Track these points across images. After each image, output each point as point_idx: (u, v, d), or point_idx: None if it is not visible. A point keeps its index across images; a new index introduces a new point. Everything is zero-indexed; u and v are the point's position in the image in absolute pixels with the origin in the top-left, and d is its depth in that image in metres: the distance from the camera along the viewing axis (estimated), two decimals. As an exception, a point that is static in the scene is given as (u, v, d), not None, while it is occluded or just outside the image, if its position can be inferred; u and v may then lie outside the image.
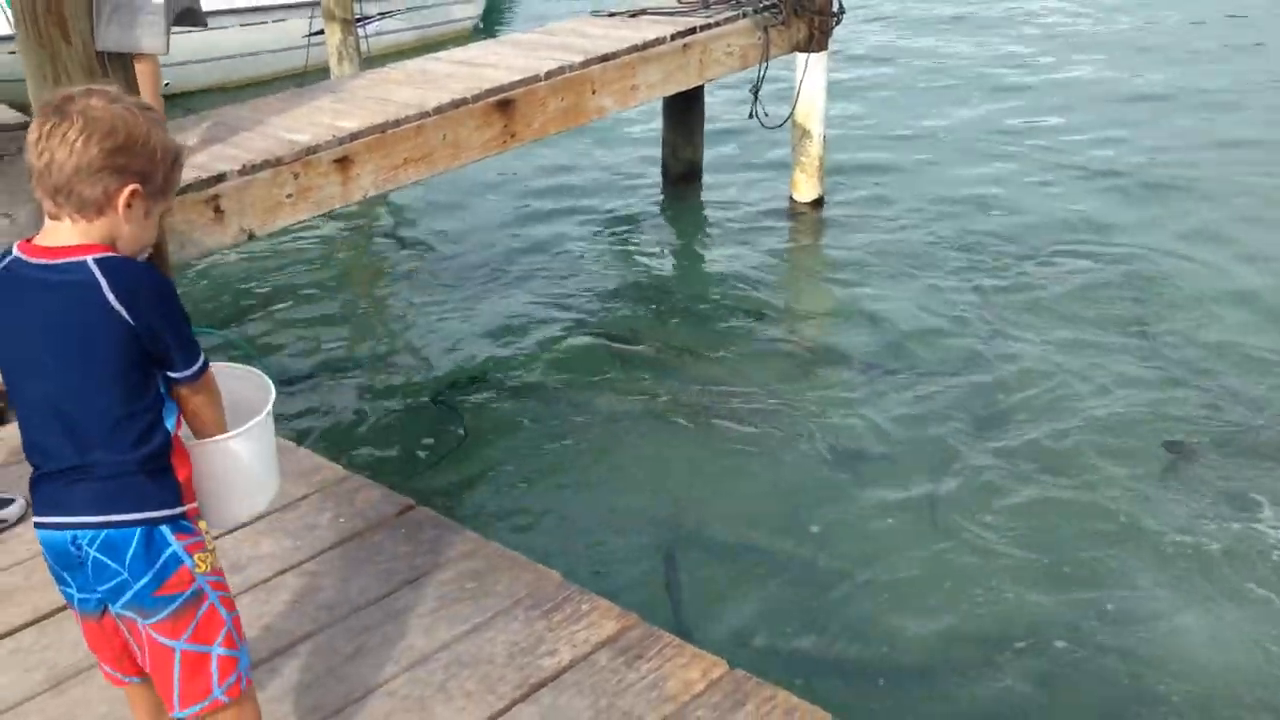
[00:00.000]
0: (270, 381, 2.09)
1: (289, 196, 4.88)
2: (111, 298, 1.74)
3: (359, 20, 10.14)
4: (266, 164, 4.67)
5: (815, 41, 7.00)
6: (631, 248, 7.15)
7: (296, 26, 10.48)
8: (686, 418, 4.99)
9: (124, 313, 1.74)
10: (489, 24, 13.02)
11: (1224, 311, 5.82)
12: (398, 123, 5.26)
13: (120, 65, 3.22)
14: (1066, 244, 6.71)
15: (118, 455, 1.79)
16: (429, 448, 4.78)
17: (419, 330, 6.01)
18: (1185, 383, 5.16)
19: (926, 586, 3.88)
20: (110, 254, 1.78)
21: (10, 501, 3.06)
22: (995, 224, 7.05)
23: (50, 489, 1.82)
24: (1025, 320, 5.81)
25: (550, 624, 2.59)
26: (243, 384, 2.07)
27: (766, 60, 6.78)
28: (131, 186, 1.78)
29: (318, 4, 10.07)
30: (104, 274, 1.74)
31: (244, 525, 2.78)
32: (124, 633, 1.91)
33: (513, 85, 5.68)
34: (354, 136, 5.11)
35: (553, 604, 2.65)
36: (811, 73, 7.06)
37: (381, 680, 2.43)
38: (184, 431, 1.91)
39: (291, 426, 4.83)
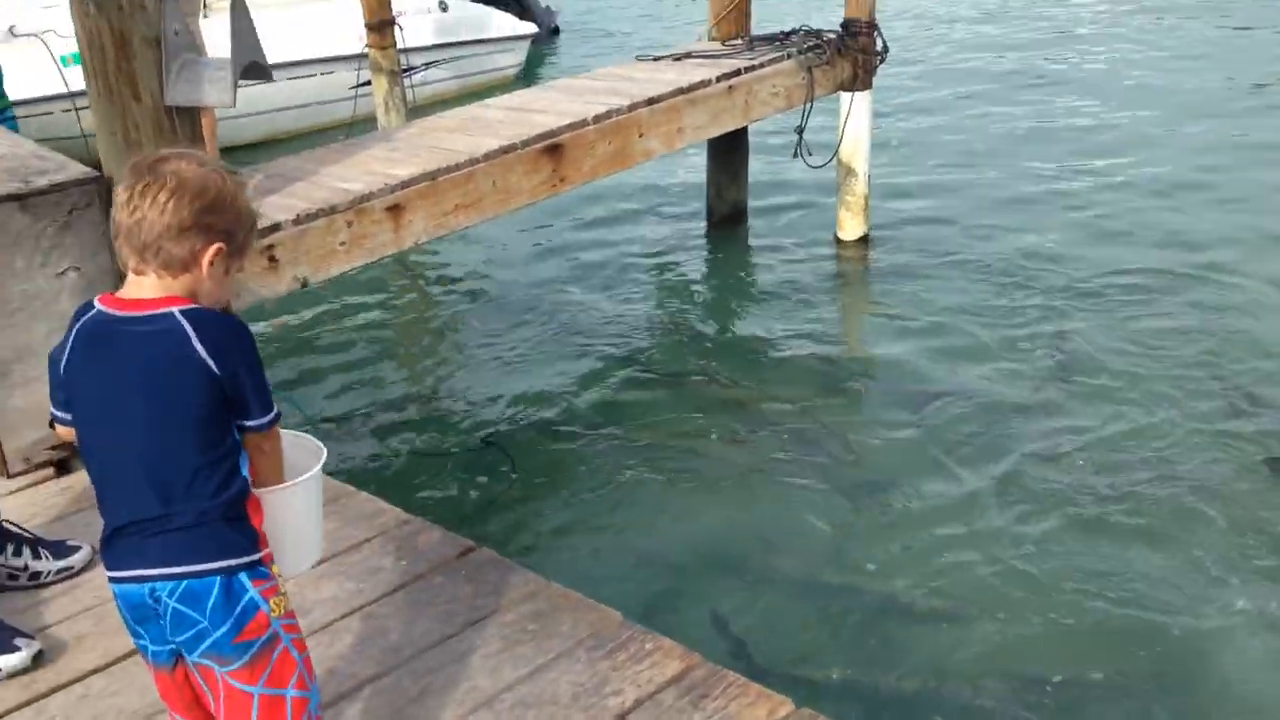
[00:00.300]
0: (322, 445, 2.14)
1: (342, 244, 4.95)
2: (199, 347, 1.79)
3: (404, 71, 10.31)
4: (321, 213, 4.74)
5: (859, 80, 7.03)
6: (678, 288, 7.17)
7: (344, 78, 10.67)
8: (736, 454, 4.99)
9: (210, 362, 1.79)
10: (530, 73, 13.19)
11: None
12: (448, 169, 5.33)
13: (188, 119, 3.30)
14: (1120, 284, 6.63)
15: (198, 504, 1.82)
16: (482, 487, 4.81)
17: (468, 372, 6.06)
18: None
19: (988, 622, 3.84)
20: (195, 305, 1.84)
21: (77, 549, 3.10)
22: (1044, 262, 6.99)
23: (128, 542, 1.85)
24: (1080, 354, 5.75)
25: (614, 664, 2.58)
26: (294, 449, 2.10)
27: (811, 100, 6.81)
28: (216, 245, 1.85)
29: (364, 56, 10.26)
30: (191, 324, 1.80)
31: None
32: (198, 681, 1.93)
33: (561, 130, 5.74)
34: (405, 184, 5.18)
35: (616, 643, 2.65)
36: (856, 111, 7.08)
37: (447, 722, 2.44)
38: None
39: (348, 471, 4.87)
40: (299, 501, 2.00)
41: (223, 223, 1.86)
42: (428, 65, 11.76)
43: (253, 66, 3.35)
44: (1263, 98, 10.53)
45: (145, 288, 1.84)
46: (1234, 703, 3.48)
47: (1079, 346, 5.86)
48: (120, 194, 1.83)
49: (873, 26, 6.98)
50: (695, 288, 7.20)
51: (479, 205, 5.54)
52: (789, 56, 6.80)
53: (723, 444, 5.07)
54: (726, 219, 7.98)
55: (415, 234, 5.30)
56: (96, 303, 1.86)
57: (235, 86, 3.20)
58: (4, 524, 3.03)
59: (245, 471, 1.90)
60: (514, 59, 13.08)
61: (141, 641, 1.93)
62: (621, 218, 8.38)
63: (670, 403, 5.53)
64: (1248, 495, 4.44)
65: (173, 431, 1.81)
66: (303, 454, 2.11)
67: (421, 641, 2.69)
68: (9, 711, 2.54)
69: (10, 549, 3.00)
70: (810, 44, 6.86)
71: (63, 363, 1.87)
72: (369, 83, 10.39)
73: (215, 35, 3.57)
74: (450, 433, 5.37)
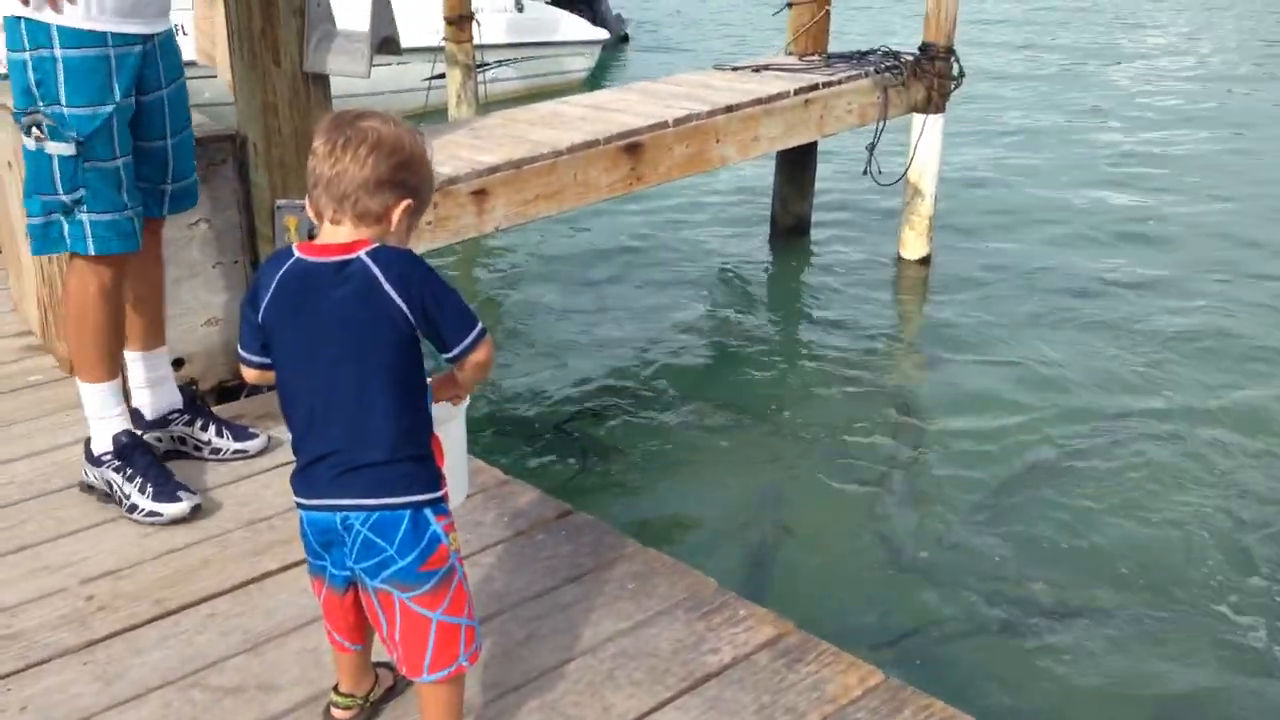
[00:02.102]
0: None
1: (428, 224, 5.11)
2: (386, 286, 1.89)
3: (479, 67, 10.52)
4: (411, 192, 4.90)
5: (933, 104, 7.16)
6: (736, 297, 7.31)
7: (418, 70, 10.88)
8: (792, 458, 5.16)
9: (399, 300, 1.90)
10: (599, 78, 13.38)
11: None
12: (532, 159, 5.50)
13: (322, 87, 3.47)
14: (1183, 318, 6.72)
15: (391, 440, 1.95)
16: (559, 469, 4.97)
17: (538, 365, 6.21)
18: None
19: (1074, 606, 4.03)
20: (379, 245, 1.94)
21: (255, 435, 3.41)
22: (1105, 292, 7.10)
23: (323, 472, 1.97)
24: (1138, 387, 5.85)
25: (710, 625, 2.71)
26: None
27: (884, 119, 6.95)
28: (407, 201, 1.95)
29: (440, 49, 10.47)
30: (377, 264, 1.91)
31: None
32: (371, 604, 2.05)
33: (642, 130, 5.90)
34: (491, 170, 5.36)
35: (711, 607, 2.77)
36: (928, 133, 7.21)
37: (553, 664, 2.57)
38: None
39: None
40: (457, 436, 2.14)
41: (414, 180, 1.95)
42: (500, 63, 11.97)
43: (387, 40, 3.52)
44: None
45: (340, 235, 1.93)
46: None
47: (1139, 379, 5.95)
48: (320, 146, 1.91)
49: (950, 51, 7.11)
50: (756, 298, 7.34)
51: (558, 196, 5.70)
52: (866, 75, 6.93)
53: (777, 453, 5.23)
54: (790, 231, 8.12)
55: (496, 219, 5.46)
56: (295, 250, 1.97)
57: (371, 58, 3.37)
58: (196, 400, 3.36)
59: (432, 411, 2.03)
60: (584, 63, 13.28)
61: (320, 563, 2.07)
62: (690, 222, 8.55)
63: (724, 408, 5.66)
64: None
65: (369, 370, 1.92)
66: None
67: (526, 591, 2.82)
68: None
69: (199, 423, 3.33)
70: (887, 64, 7.00)
71: (261, 308, 1.98)
72: (442, 75, 10.60)
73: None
74: (521, 423, 5.52)
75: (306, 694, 2.45)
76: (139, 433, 3.19)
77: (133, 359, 3.30)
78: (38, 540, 3.00)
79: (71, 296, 3.02)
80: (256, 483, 3.28)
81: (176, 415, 3.34)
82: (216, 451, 3.33)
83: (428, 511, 1.99)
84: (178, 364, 3.65)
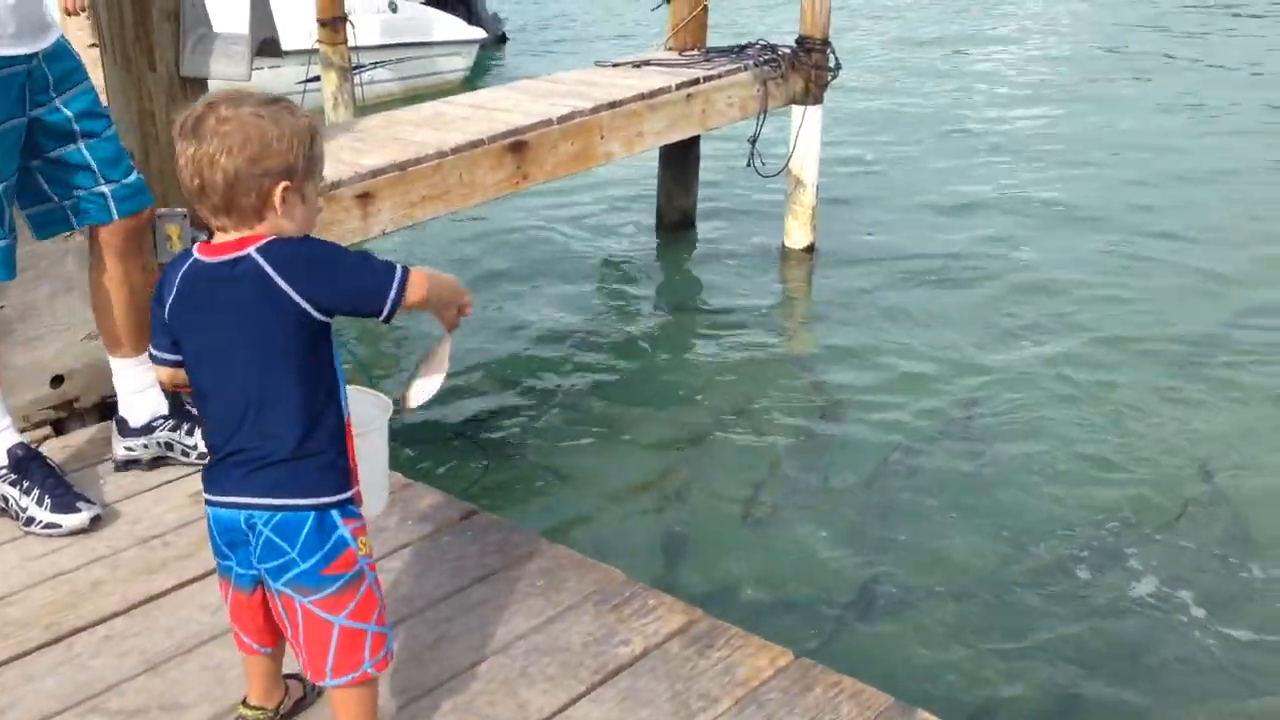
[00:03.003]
0: (389, 400, 2.27)
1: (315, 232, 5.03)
2: (279, 280, 1.85)
3: (354, 69, 10.36)
4: (293, 197, 4.82)
5: (811, 95, 7.30)
6: (626, 291, 7.38)
7: (291, 73, 10.66)
8: (687, 446, 5.25)
9: (292, 294, 1.86)
10: (477, 78, 13.29)
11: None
12: (417, 161, 5.46)
13: (201, 91, 3.38)
14: (1055, 287, 7.00)
15: (295, 439, 1.91)
16: (458, 472, 4.94)
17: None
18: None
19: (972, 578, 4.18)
20: (269, 239, 1.88)
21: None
22: (984, 271, 7.34)
23: (229, 469, 1.94)
24: (1025, 359, 6.08)
25: (620, 617, 2.72)
26: (360, 403, 2.20)
27: (765, 112, 7.05)
28: (281, 185, 1.86)
29: (314, 51, 10.29)
30: (267, 259, 1.86)
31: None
32: (275, 607, 2.03)
33: (526, 128, 5.90)
34: (375, 173, 5.29)
35: (620, 599, 2.79)
36: (807, 124, 7.34)
37: (465, 665, 2.55)
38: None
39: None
40: (378, 447, 2.11)
41: (277, 162, 1.85)
42: (375, 65, 11.80)
43: (267, 42, 3.45)
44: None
45: (230, 234, 1.90)
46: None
47: (1022, 353, 6.16)
48: (178, 160, 1.86)
49: (826, 43, 7.25)
50: (643, 292, 7.39)
51: (445, 198, 5.66)
52: (745, 69, 7.03)
53: (664, 442, 5.29)
54: (675, 225, 8.19)
55: (382, 223, 5.40)
56: (194, 251, 1.93)
57: (251, 61, 3.30)
58: (186, 406, 3.27)
59: (345, 408, 1.99)
60: (461, 63, 13.18)
61: (226, 563, 2.03)
62: (575, 218, 8.56)
63: (612, 403, 5.72)
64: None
65: (272, 368, 1.89)
66: (368, 408, 2.22)
67: (434, 593, 2.80)
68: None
69: (185, 427, 3.27)
70: (766, 58, 7.11)
71: (166, 307, 1.95)
72: (317, 78, 10.40)
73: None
74: (419, 430, 5.47)
75: (212, 711, 2.39)
76: (32, 444, 3.08)
77: (117, 366, 3.24)
78: (-84, 569, 2.87)
79: None
80: (147, 499, 3.19)
81: (161, 421, 3.26)
82: (204, 456, 3.19)
83: (334, 514, 1.96)
84: (57, 381, 3.52)
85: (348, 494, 1.99)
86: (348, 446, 2.00)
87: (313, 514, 1.93)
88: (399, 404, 2.17)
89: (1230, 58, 13.60)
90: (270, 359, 1.90)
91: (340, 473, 1.98)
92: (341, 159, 5.41)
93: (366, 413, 2.17)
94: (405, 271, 1.94)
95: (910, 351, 6.18)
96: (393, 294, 1.92)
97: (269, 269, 1.86)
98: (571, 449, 5.20)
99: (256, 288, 1.86)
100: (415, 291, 1.95)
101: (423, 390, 2.21)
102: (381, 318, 1.94)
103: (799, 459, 5.08)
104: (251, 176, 1.84)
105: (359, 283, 1.91)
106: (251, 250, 1.87)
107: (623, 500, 4.75)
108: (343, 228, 5.19)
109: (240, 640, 2.16)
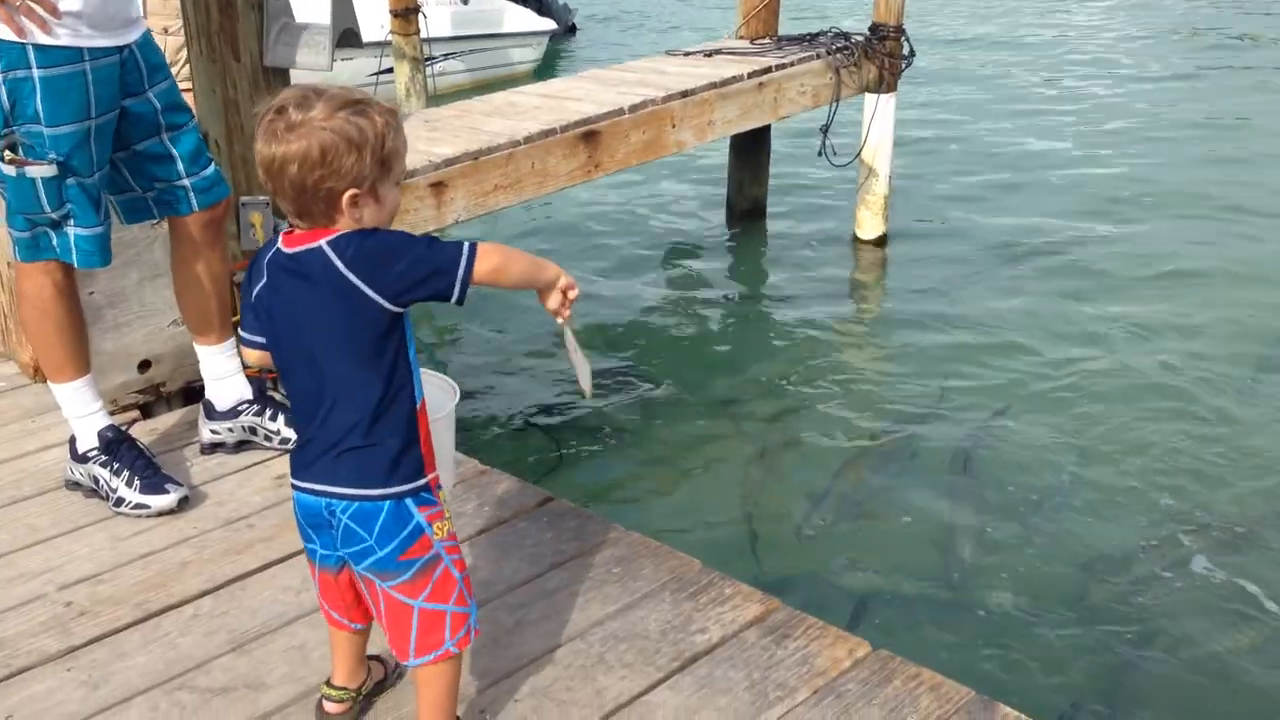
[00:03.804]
0: (455, 385, 2.31)
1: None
2: (347, 273, 1.86)
3: (426, 60, 10.44)
4: (366, 188, 4.88)
5: (885, 83, 7.21)
6: (697, 280, 7.35)
7: (365, 64, 10.79)
8: (763, 437, 5.22)
9: (362, 286, 1.86)
10: (547, 69, 13.34)
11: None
12: (489, 150, 5.48)
13: (283, 80, 3.44)
14: (1139, 283, 6.85)
15: (368, 428, 1.94)
16: (533, 464, 4.97)
17: (499, 357, 6.20)
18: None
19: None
20: (341, 232, 1.88)
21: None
22: (1059, 263, 7.21)
23: (312, 456, 1.98)
24: (1100, 356, 5.96)
25: (697, 605, 2.72)
26: (429, 387, 2.20)
27: (837, 100, 6.99)
28: (349, 194, 1.86)
29: (387, 43, 10.39)
30: (335, 252, 1.87)
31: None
32: (360, 588, 2.08)
33: (598, 118, 5.90)
34: (449, 162, 5.33)
35: (697, 587, 2.79)
36: (880, 113, 7.26)
37: (543, 651, 2.57)
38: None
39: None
40: (446, 427, 2.13)
41: (343, 173, 1.84)
42: (447, 56, 11.90)
43: (348, 33, 3.49)
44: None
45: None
46: None
47: (1098, 349, 6.05)
48: (258, 157, 1.88)
49: (900, 31, 7.16)
50: (715, 281, 7.37)
51: (518, 186, 5.68)
52: (817, 57, 6.97)
53: (737, 433, 5.27)
54: (746, 214, 8.16)
55: (456, 211, 5.44)
56: (279, 241, 1.95)
57: (332, 51, 3.34)
58: (268, 391, 3.34)
59: (419, 395, 2.01)
60: (531, 54, 13.23)
61: (311, 545, 2.08)
62: (646, 207, 8.56)
63: (686, 391, 5.71)
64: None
65: (344, 358, 1.91)
66: (437, 392, 2.24)
67: (512, 579, 2.82)
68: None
69: (269, 413, 3.33)
70: (838, 46, 7.04)
71: (255, 292, 1.99)
72: (389, 70, 10.51)
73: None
74: (492, 418, 5.51)
75: (296, 691, 2.44)
76: (123, 426, 3.16)
77: (203, 353, 3.31)
78: (11, 549, 2.95)
79: (28, 300, 2.98)
80: (232, 482, 3.25)
81: (246, 406, 3.33)
82: (285, 441, 3.30)
83: (409, 502, 1.98)
84: (144, 366, 3.60)
85: (423, 480, 2.01)
86: (420, 433, 2.01)
87: (389, 504, 1.96)
88: (582, 395, 2.25)
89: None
90: (342, 349, 1.92)
91: (414, 460, 1.99)
92: (416, 148, 5.44)
93: (435, 397, 2.20)
94: (473, 245, 1.93)
95: (988, 346, 6.08)
96: (461, 268, 1.89)
97: (338, 263, 1.87)
98: (644, 437, 5.22)
99: (328, 280, 1.88)
100: (485, 261, 1.92)
101: (584, 378, 2.34)
102: (454, 298, 1.91)
103: (875, 452, 5.05)
104: (318, 187, 1.85)
105: (426, 264, 1.88)
106: (323, 243, 1.89)
107: (698, 488, 4.75)
108: (417, 216, 5.24)
109: (330, 617, 2.20)
